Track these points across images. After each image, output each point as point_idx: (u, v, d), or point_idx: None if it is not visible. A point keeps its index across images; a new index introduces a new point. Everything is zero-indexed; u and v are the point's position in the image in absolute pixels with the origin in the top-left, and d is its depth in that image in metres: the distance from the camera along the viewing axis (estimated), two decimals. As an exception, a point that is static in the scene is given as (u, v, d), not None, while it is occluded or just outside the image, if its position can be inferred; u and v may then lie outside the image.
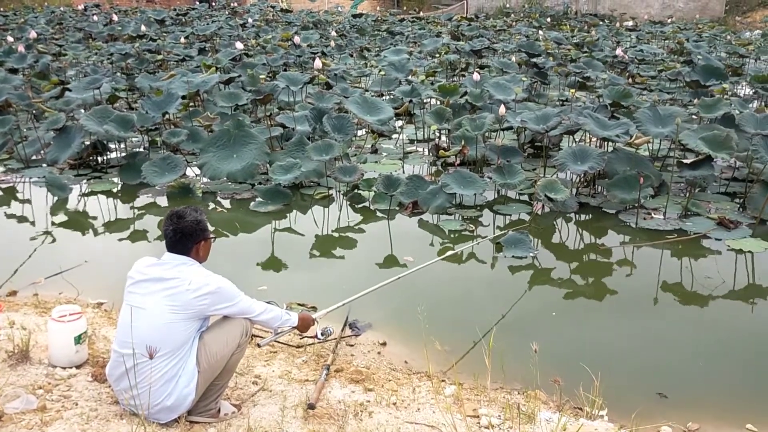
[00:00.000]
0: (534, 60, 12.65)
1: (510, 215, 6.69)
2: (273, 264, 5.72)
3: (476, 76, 10.07)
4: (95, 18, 22.05)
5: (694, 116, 8.31)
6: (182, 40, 16.17)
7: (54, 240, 6.21)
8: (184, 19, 23.07)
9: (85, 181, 7.78)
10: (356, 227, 6.45)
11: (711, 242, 5.96)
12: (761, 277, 5.41)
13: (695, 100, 8.90)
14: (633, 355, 4.27)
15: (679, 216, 6.45)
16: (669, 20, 24.71)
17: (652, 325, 4.72)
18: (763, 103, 10.72)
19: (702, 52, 14.11)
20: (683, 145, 7.09)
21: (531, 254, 5.71)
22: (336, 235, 6.33)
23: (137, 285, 2.98)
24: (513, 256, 5.66)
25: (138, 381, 2.89)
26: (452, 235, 6.17)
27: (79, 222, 6.71)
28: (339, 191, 7.33)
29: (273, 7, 27.99)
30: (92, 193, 7.43)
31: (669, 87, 12.25)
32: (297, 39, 14.79)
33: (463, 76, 12.47)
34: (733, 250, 5.79)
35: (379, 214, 6.70)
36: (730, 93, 10.65)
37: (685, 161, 6.78)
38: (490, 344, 2.93)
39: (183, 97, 9.04)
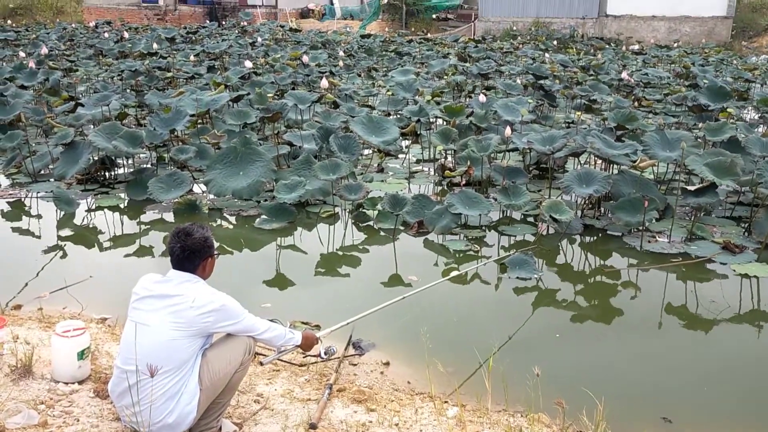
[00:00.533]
0: (541, 82, 12.72)
1: (515, 236, 6.69)
2: (277, 282, 5.73)
3: (482, 98, 10.12)
4: (106, 35, 22.28)
5: (699, 140, 8.32)
6: (192, 57, 16.32)
7: (60, 255, 6.24)
8: (194, 37, 23.29)
9: (92, 196, 7.82)
10: (361, 246, 6.46)
11: (716, 266, 5.94)
12: (766, 302, 5.38)
13: (701, 124, 8.92)
14: (637, 378, 4.25)
15: (684, 239, 6.44)
16: (675, 44, 24.82)
17: (657, 348, 4.69)
18: (768, 128, 10.73)
19: (708, 76, 14.17)
20: (689, 169, 7.10)
21: (535, 275, 5.70)
22: (341, 253, 6.34)
23: (142, 301, 2.99)
24: (518, 277, 5.66)
25: (140, 398, 2.88)
26: (457, 256, 6.18)
27: (85, 237, 6.74)
28: (344, 210, 7.35)
29: (282, 26, 28.24)
30: (99, 208, 7.47)
31: (675, 111, 12.28)
32: (305, 58, 14.91)
33: (470, 97, 12.54)
34: (739, 274, 5.77)
35: (383, 233, 6.71)
36: (735, 117, 10.67)
37: (689, 188, 6.78)
38: (489, 366, 2.92)
39: (191, 115, 9.11)
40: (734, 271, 5.83)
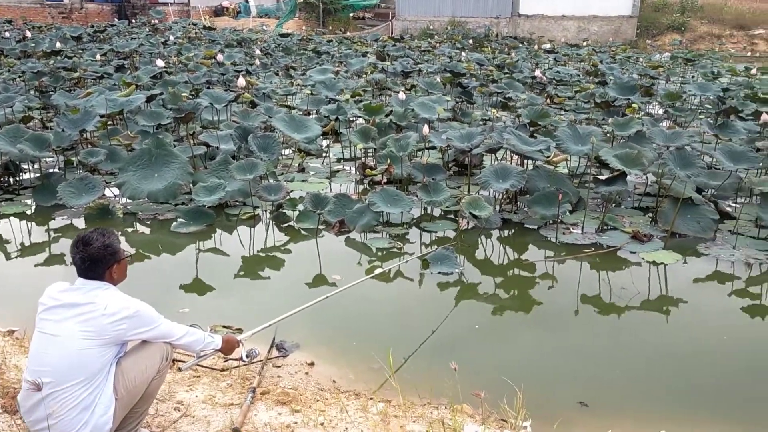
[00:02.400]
0: (459, 80, 12.95)
1: (436, 232, 6.77)
2: (196, 286, 5.59)
3: (402, 96, 10.21)
4: (7, 34, 21.14)
5: (608, 134, 8.67)
6: (99, 57, 15.72)
7: (-40, 266, 5.88)
8: (102, 36, 22.42)
9: (-5, 203, 7.41)
10: (283, 247, 6.39)
11: (626, 255, 6.20)
12: (673, 287, 5.67)
13: (609, 120, 9.29)
14: (555, 366, 4.39)
15: (596, 230, 6.70)
16: (584, 43, 25.79)
17: (573, 336, 4.87)
18: (673, 122, 11.31)
19: (615, 74, 14.80)
20: (599, 163, 7.39)
21: (457, 270, 5.79)
22: (262, 255, 6.25)
23: (49, 311, 2.85)
24: (439, 273, 5.73)
25: (51, 411, 2.75)
26: (380, 253, 6.20)
27: (-12, 246, 6.38)
28: (265, 211, 7.25)
29: (195, 24, 27.60)
30: (3, 215, 7.07)
31: (584, 107, 12.75)
32: (220, 57, 14.63)
33: (390, 95, 12.62)
34: (648, 262, 6.05)
35: (304, 233, 6.66)
36: (642, 112, 11.18)
37: (600, 177, 7.07)
38: (415, 360, 2.94)
39: (101, 116, 8.77)
40: (643, 258, 6.10)
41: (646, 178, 7.89)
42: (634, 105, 10.56)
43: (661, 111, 12.55)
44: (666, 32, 29.01)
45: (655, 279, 5.82)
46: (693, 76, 17.00)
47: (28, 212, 7.21)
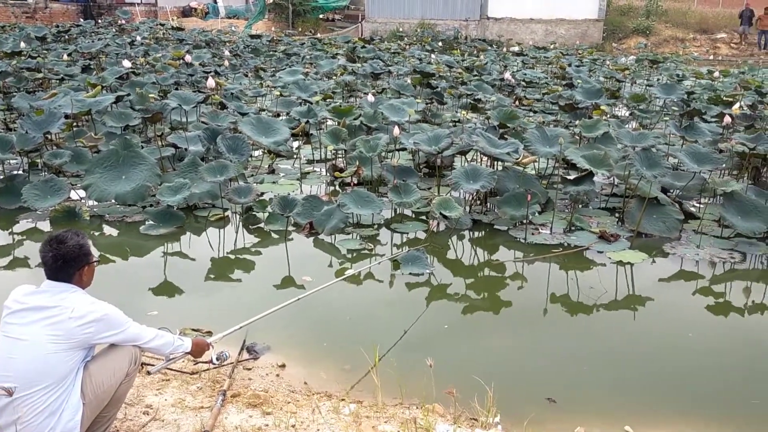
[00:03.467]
0: (429, 81, 13.01)
1: (407, 234, 6.79)
2: (165, 289, 5.52)
3: (371, 98, 10.21)
4: (-32, 33, 20.68)
5: (576, 136, 8.79)
6: (65, 57, 15.45)
7: None
8: (66, 36, 22.03)
9: (-44, 206, 7.23)
10: (253, 249, 6.35)
11: (594, 255, 6.29)
12: (640, 286, 5.77)
13: (577, 122, 9.42)
14: (525, 364, 4.44)
15: (565, 231, 6.78)
16: (552, 46, 26.10)
17: (542, 335, 4.93)
18: (638, 123, 11.51)
19: (582, 76, 15.01)
20: (567, 164, 7.49)
21: (428, 271, 5.82)
22: (232, 257, 6.21)
23: (15, 315, 2.80)
24: (410, 274, 5.75)
25: (18, 416, 2.70)
26: (351, 255, 6.20)
27: (-51, 250, 6.23)
28: (235, 213, 7.20)
29: (163, 24, 27.28)
30: (-35, 219, 6.92)
31: (552, 109, 12.91)
32: (188, 58, 14.47)
33: (360, 97, 12.63)
34: (614, 262, 6.15)
35: (275, 235, 6.63)
36: (608, 114, 11.35)
37: (568, 177, 7.16)
38: (387, 361, 2.94)
39: (67, 117, 8.62)
40: (610, 258, 6.20)
41: (613, 178, 8.02)
42: (602, 107, 10.71)
43: (627, 113, 12.75)
44: (631, 35, 29.48)
45: (622, 278, 5.92)
46: (658, 79, 17.30)
47: (-9, 215, 7.05)
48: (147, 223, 6.77)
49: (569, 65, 17.77)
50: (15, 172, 7.94)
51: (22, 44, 17.02)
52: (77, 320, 2.75)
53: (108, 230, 6.74)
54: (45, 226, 6.74)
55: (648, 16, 30.34)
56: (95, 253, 3.03)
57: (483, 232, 6.92)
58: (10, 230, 6.71)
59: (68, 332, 2.74)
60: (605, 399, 4.04)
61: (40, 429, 2.71)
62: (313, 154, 9.66)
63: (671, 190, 7.60)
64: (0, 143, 7.35)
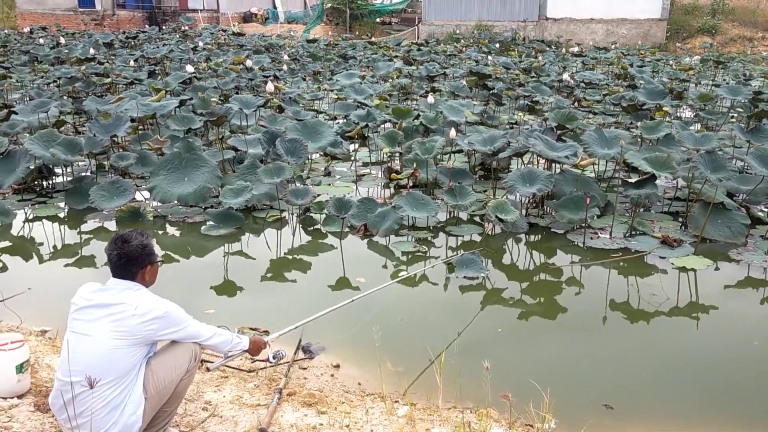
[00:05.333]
0: (485, 83, 12.92)
1: (462, 236, 6.76)
2: (225, 288, 5.65)
3: (430, 99, 10.21)
4: (41, 41, 21.62)
5: (637, 138, 8.58)
6: (131, 63, 15.98)
7: (-4, 267, 6.03)
8: (133, 42, 22.82)
9: (29, 206, 7.57)
10: (309, 250, 6.43)
11: (656, 260, 6.13)
12: (703, 293, 5.59)
13: (638, 123, 9.20)
14: (581, 370, 4.36)
15: (625, 235, 6.63)
16: (613, 46, 25.54)
17: (600, 341, 4.82)
18: (703, 125, 11.16)
19: (645, 77, 14.65)
20: (627, 166, 7.32)
21: (482, 274, 5.78)
22: (289, 257, 6.30)
23: (81, 311, 2.91)
24: (465, 277, 5.72)
25: (83, 410, 2.81)
26: (405, 257, 6.21)
27: (23, 248, 6.52)
28: (292, 214, 7.31)
29: (225, 30, 27.92)
30: (37, 218, 7.23)
31: (613, 110, 12.64)
32: (249, 62, 14.78)
33: (415, 100, 12.63)
34: (677, 267, 5.97)
35: (330, 236, 6.70)
36: (672, 116, 11.05)
37: (629, 180, 7.00)
38: (441, 364, 2.94)
39: (132, 120, 8.93)
40: (672, 264, 6.03)
41: (676, 182, 7.79)
42: (664, 108, 10.43)
43: (691, 115, 12.38)
44: (696, 35, 28.58)
45: (685, 285, 5.75)
46: (724, 80, 16.74)
47: (61, 215, 7.36)
48: (207, 223, 6.94)
49: (631, 65, 17.37)
50: (83, 174, 8.26)
51: (91, 50, 17.70)
52: (140, 317, 2.85)
53: (170, 230, 6.94)
54: (111, 225, 6.99)
55: (714, 14, 29.36)
56: (159, 253, 3.12)
57: (539, 236, 6.82)
58: (78, 229, 6.98)
59: (131, 329, 2.84)
60: (664, 408, 3.93)
61: (104, 422, 2.81)
62: (369, 156, 9.72)
63: (737, 194, 7.33)
64: (69, 146, 7.66)
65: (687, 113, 12.74)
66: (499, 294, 5.55)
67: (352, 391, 3.97)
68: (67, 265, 6.09)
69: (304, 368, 4.23)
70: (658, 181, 7.14)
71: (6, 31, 26.48)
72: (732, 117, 12.20)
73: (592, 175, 8.31)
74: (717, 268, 6.04)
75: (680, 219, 7.12)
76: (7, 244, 6.59)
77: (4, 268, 6.01)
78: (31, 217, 7.29)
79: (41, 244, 6.62)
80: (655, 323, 5.08)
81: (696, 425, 3.70)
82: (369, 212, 6.81)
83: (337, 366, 4.29)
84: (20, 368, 3.40)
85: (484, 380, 3.20)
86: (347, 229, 6.75)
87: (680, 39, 28.61)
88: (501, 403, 3.51)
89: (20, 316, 4.76)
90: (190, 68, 13.28)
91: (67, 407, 2.81)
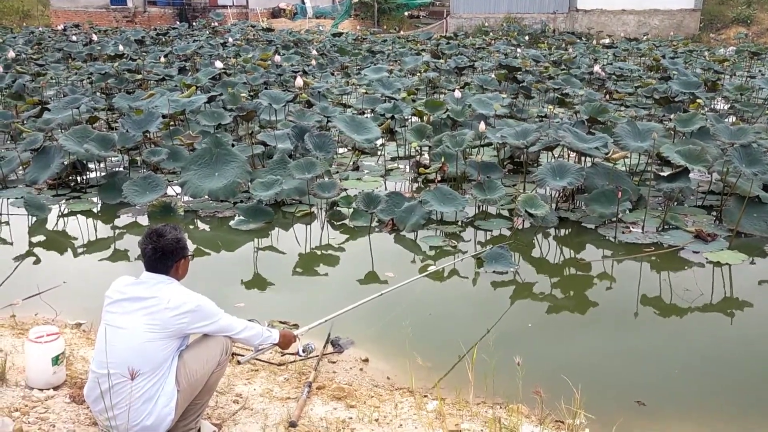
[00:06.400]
0: (515, 75, 12.80)
1: (491, 231, 6.72)
2: (254, 282, 5.70)
3: (458, 93, 10.16)
4: (74, 38, 21.99)
5: (670, 130, 8.44)
6: (162, 59, 16.17)
7: (32, 261, 6.15)
8: (164, 39, 23.07)
9: (63, 201, 7.71)
10: (337, 245, 6.45)
11: (689, 255, 6.03)
12: (738, 288, 5.48)
13: (672, 116, 9.04)
14: (613, 366, 4.31)
15: (658, 229, 6.53)
16: (645, 37, 25.14)
17: (632, 337, 4.76)
18: (738, 118, 10.93)
19: (678, 68, 14.38)
20: (660, 159, 7.20)
21: (512, 269, 5.74)
22: (318, 252, 6.33)
23: (115, 305, 2.96)
24: (494, 272, 5.68)
25: (117, 401, 2.85)
26: (434, 252, 6.19)
27: (57, 242, 6.65)
28: (320, 208, 7.34)
29: (254, 26, 28.09)
30: (71, 213, 7.37)
31: (645, 103, 12.44)
32: (277, 58, 14.84)
33: (443, 93, 12.58)
34: (711, 262, 5.87)
35: (358, 231, 6.71)
36: (706, 108, 10.83)
37: (662, 174, 6.89)
38: (473, 359, 2.93)
39: (164, 116, 9.03)
40: (706, 259, 5.92)
41: (710, 175, 7.64)
42: (698, 100, 10.23)
43: (726, 107, 12.13)
44: (731, 25, 28.00)
45: (719, 280, 5.65)
46: (760, 71, 16.37)
47: (95, 210, 7.48)
48: (237, 218, 7.00)
49: (663, 57, 17.07)
50: (116, 169, 8.38)
51: (123, 47, 17.94)
52: (173, 310, 2.88)
53: (201, 225, 7.01)
54: (143, 220, 7.09)
55: (749, 4, 28.71)
56: (190, 247, 3.16)
57: (569, 230, 6.75)
58: (112, 224, 7.09)
59: (164, 322, 2.88)
60: (697, 405, 3.87)
61: (138, 414, 2.85)
62: (397, 150, 9.71)
63: (774, 188, 7.17)
64: (103, 141, 7.77)
65: (721, 105, 12.49)
66: (529, 289, 5.50)
67: (381, 385, 3.98)
68: (101, 259, 6.19)
69: (333, 362, 4.25)
70: (691, 175, 7.02)
71: (40, 28, 26.99)
72: (768, 109, 11.93)
73: (624, 168, 8.19)
74: (752, 263, 5.92)
75: (714, 213, 6.99)
76: (42, 238, 6.73)
77: (39, 262, 6.14)
78: (65, 211, 7.43)
79: (75, 238, 6.74)
80: (688, 319, 5.00)
81: (730, 423, 3.64)
82: (396, 207, 6.80)
83: (366, 360, 4.30)
84: (56, 360, 3.46)
85: (515, 375, 3.18)
86: (375, 224, 6.75)
87: (714, 30, 28.06)
88: (531, 398, 3.48)
89: (55, 309, 4.85)
90: (219, 64, 13.38)
91: (103, 398, 2.86)
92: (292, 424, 3.18)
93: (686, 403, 3.90)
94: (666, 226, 6.56)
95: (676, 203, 7.13)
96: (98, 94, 12.38)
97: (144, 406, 2.86)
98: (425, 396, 3.78)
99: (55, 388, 3.47)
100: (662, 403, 3.85)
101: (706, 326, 4.95)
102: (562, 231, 6.76)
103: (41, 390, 3.43)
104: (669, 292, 5.43)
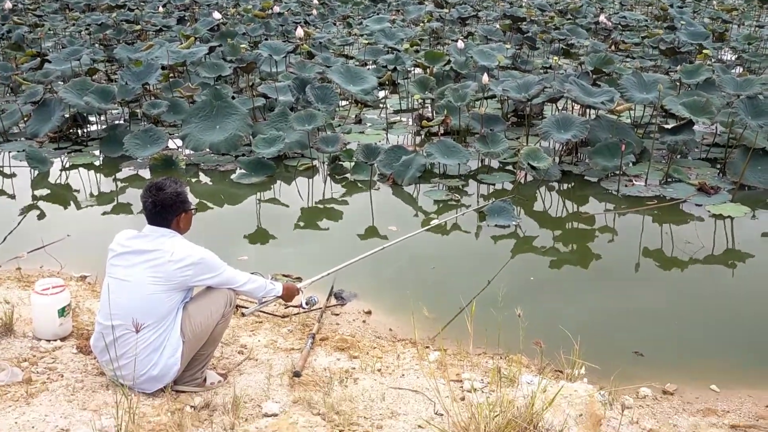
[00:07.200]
0: (519, 26, 12.59)
1: (494, 184, 6.71)
2: (258, 235, 5.72)
3: (460, 44, 10.01)
4: (72, -12, 21.56)
5: (676, 82, 8.33)
6: (160, 9, 15.91)
7: (36, 214, 6.17)
8: (162, -12, 22.61)
9: (65, 154, 7.69)
10: (340, 198, 6.45)
11: (691, 208, 6.03)
12: (740, 241, 5.50)
13: (678, 67, 8.91)
14: (613, 318, 4.36)
15: (661, 182, 6.51)
16: (653, -14, 24.57)
17: (632, 289, 4.80)
18: (745, 69, 10.78)
19: (686, 18, 14.12)
20: (665, 112, 7.13)
21: (514, 223, 5.75)
22: (320, 206, 6.33)
23: (119, 257, 2.98)
24: (496, 225, 5.69)
25: (123, 352, 2.90)
26: (436, 205, 6.19)
27: (60, 196, 6.66)
28: (323, 162, 7.31)
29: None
30: (73, 166, 7.36)
31: (652, 54, 12.25)
32: (277, 8, 14.59)
33: (447, 44, 12.40)
34: (713, 215, 5.87)
35: (360, 185, 6.70)
36: (713, 59, 10.67)
37: (666, 126, 6.84)
38: (472, 310, 2.95)
39: (163, 68, 8.93)
40: (709, 212, 5.92)
41: (715, 127, 7.58)
42: (705, 51, 10.07)
43: (733, 57, 11.95)
44: (742, -27, 27.33)
45: (721, 233, 5.66)
46: (769, 20, 16.07)
47: (96, 163, 7.47)
48: (239, 172, 6.98)
49: (671, 6, 16.74)
50: (117, 122, 8.34)
51: (121, -3, 17.62)
52: (176, 263, 2.90)
53: (203, 179, 7.00)
54: (145, 173, 7.08)
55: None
56: (193, 201, 3.15)
57: (572, 184, 6.74)
58: (114, 177, 7.09)
59: (168, 274, 2.90)
60: (694, 356, 3.92)
61: (144, 364, 2.90)
62: (400, 103, 9.62)
63: (779, 140, 7.12)
64: (102, 94, 7.71)
65: (729, 56, 12.30)
66: (530, 242, 5.52)
67: (383, 336, 4.03)
68: (104, 213, 6.21)
69: (337, 314, 4.30)
70: (696, 127, 6.96)
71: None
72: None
73: (628, 121, 8.13)
74: (754, 216, 5.93)
75: (718, 166, 6.96)
76: (45, 191, 6.74)
77: (43, 215, 6.16)
78: (67, 165, 7.42)
79: (78, 191, 6.74)
80: (690, 271, 5.03)
81: (728, 373, 3.69)
82: (397, 161, 6.78)
83: (369, 312, 4.34)
84: (62, 312, 3.51)
85: (516, 328, 3.21)
86: (377, 178, 6.74)
87: (724, -23, 27.37)
88: (531, 350, 3.52)
89: (60, 262, 4.89)
90: (217, 15, 13.16)
91: (108, 350, 2.91)
92: (297, 374, 3.24)
93: (685, 353, 3.95)
94: (669, 179, 6.54)
95: (679, 156, 7.09)
96: (97, 45, 12.22)
97: (150, 356, 2.90)
98: (427, 347, 3.84)
99: (62, 339, 3.52)
100: (660, 353, 3.90)
101: (707, 279, 4.98)
102: (565, 184, 6.74)
103: (48, 341, 3.48)
104: (671, 245, 5.45)
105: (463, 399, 3.07)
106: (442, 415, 2.88)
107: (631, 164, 6.79)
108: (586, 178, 6.76)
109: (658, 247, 5.41)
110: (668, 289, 4.84)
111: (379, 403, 3.06)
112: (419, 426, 2.84)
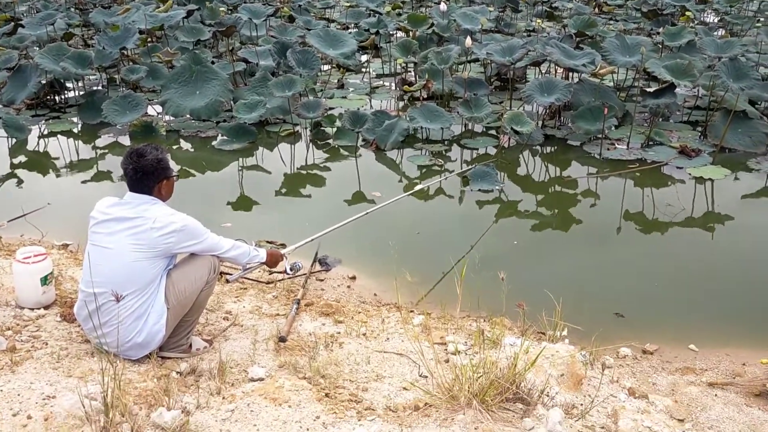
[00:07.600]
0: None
1: (477, 149, 6.71)
2: (241, 202, 5.70)
3: (443, 6, 9.90)
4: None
5: (659, 45, 8.32)
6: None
7: (14, 183, 6.09)
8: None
9: (43, 121, 7.57)
10: (323, 164, 6.42)
11: (672, 170, 6.08)
12: (720, 203, 5.56)
13: (661, 29, 8.90)
14: (595, 281, 4.41)
15: (642, 145, 6.55)
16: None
17: (614, 252, 4.86)
18: (728, 30, 10.78)
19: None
20: (648, 75, 7.14)
21: (497, 187, 5.77)
22: (303, 172, 6.31)
23: (100, 225, 2.95)
24: (480, 190, 5.71)
25: (107, 319, 2.89)
26: (420, 171, 6.19)
27: (39, 163, 6.57)
28: (305, 128, 7.25)
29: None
30: (52, 133, 7.25)
31: (635, 16, 12.20)
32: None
33: (430, 6, 12.26)
34: (694, 177, 5.92)
35: (343, 151, 6.67)
36: (695, 21, 10.66)
37: (648, 89, 6.85)
38: (462, 274, 2.96)
39: (140, 32, 8.76)
40: (690, 174, 5.98)
41: (697, 90, 7.61)
42: (688, 13, 10.05)
43: (716, 19, 11.94)
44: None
45: (701, 195, 5.72)
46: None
47: (75, 130, 7.36)
48: (220, 138, 6.92)
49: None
50: (95, 88, 8.20)
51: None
52: (158, 230, 2.88)
53: (184, 145, 6.94)
54: (125, 140, 6.99)
55: None
56: (174, 167, 3.12)
57: (555, 148, 6.76)
58: (93, 144, 7.00)
59: (150, 242, 2.88)
60: (674, 317, 3.99)
61: (129, 331, 2.90)
62: (382, 68, 9.54)
63: (760, 103, 7.17)
64: (79, 59, 7.56)
65: (711, 18, 12.29)
66: (514, 206, 5.55)
67: (368, 301, 4.06)
68: (84, 180, 6.14)
69: (321, 280, 4.31)
70: (678, 90, 6.98)
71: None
72: (758, 22, 11.75)
73: (611, 84, 8.13)
74: (735, 178, 5.99)
75: (699, 128, 7.00)
76: (23, 159, 6.65)
77: (22, 183, 6.08)
78: (45, 132, 7.31)
79: (57, 159, 6.66)
80: (670, 234, 5.09)
81: (703, 334, 3.76)
82: (380, 126, 6.75)
83: (354, 278, 4.36)
84: (45, 280, 3.48)
85: (499, 291, 3.24)
86: (361, 143, 6.71)
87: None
88: (514, 312, 3.56)
89: (41, 230, 4.84)
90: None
91: (92, 317, 2.90)
92: (282, 339, 3.25)
93: (665, 314, 4.02)
94: (651, 142, 6.57)
95: (661, 119, 7.12)
96: (72, 9, 11.93)
97: (134, 323, 2.90)
98: (411, 311, 3.87)
99: (46, 308, 3.50)
100: (641, 314, 3.97)
101: (688, 241, 5.05)
102: (548, 148, 6.76)
103: (32, 309, 3.46)
104: (652, 207, 5.50)
105: (447, 361, 3.10)
106: (426, 377, 2.91)
107: (613, 128, 6.82)
108: (568, 141, 6.77)
109: (639, 210, 5.46)
110: (649, 251, 4.90)
111: (364, 366, 3.09)
112: (404, 388, 2.88)
